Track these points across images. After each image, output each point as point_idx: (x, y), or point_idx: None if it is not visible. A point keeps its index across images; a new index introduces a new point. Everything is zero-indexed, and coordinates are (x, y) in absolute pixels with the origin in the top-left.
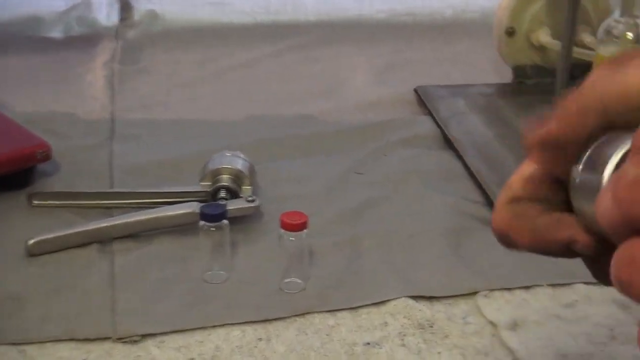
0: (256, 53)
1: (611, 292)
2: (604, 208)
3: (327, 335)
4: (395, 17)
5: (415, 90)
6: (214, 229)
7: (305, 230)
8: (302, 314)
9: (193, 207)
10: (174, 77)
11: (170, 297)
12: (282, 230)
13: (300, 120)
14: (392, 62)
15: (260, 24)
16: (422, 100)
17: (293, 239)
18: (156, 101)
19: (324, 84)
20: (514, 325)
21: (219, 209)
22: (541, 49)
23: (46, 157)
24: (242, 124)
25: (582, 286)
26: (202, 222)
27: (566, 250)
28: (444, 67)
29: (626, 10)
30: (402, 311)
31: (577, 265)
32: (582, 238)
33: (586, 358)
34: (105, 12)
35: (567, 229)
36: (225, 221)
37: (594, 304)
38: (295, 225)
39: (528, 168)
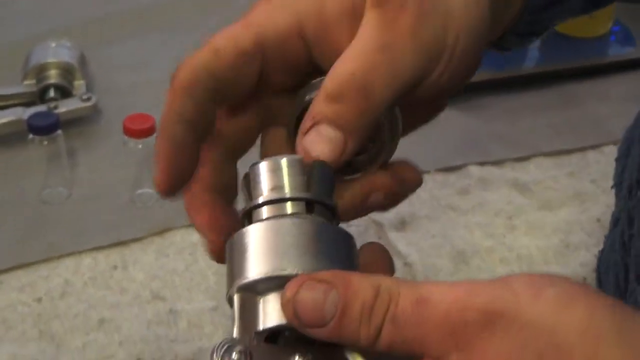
0: None
1: (507, 173)
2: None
3: (190, 254)
4: None
5: None
6: (46, 142)
7: (154, 135)
8: (161, 232)
9: (17, 113)
10: None
11: (4, 226)
12: (127, 137)
13: None
14: None
15: None
16: None
17: (141, 146)
18: None
19: None
20: (402, 224)
21: (50, 119)
22: None
23: None
24: (64, 1)
25: (475, 168)
26: (31, 136)
27: None
28: None
29: None
30: None
31: (467, 144)
32: None
33: (486, 253)
34: None
35: None
36: (59, 131)
37: (489, 187)
38: (142, 130)
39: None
